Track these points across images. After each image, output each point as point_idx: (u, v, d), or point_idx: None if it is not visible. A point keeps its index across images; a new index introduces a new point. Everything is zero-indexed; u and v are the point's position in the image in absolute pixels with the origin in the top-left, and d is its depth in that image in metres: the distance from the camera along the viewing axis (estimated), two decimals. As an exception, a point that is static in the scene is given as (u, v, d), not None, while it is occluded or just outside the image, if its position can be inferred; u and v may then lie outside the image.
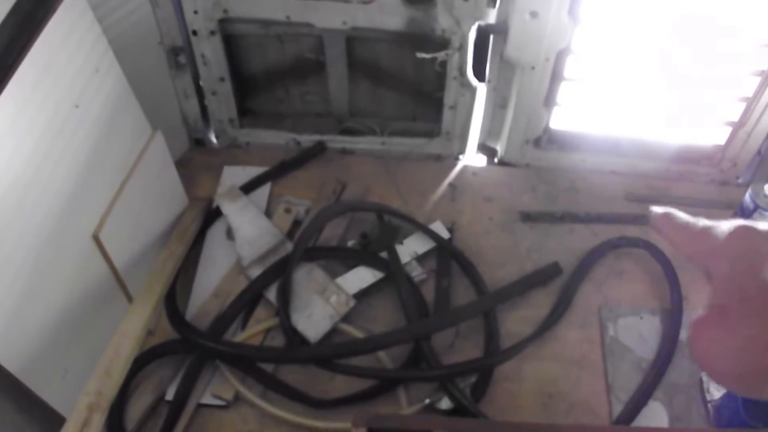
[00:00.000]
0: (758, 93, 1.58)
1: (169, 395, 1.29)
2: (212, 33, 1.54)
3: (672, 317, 1.47)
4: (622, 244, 1.57)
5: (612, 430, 1.15)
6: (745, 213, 1.54)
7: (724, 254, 0.50)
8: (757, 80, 1.56)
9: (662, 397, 1.39)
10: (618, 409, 1.36)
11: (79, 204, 1.17)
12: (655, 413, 1.37)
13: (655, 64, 1.53)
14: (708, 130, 1.72)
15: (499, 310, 1.45)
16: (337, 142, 1.73)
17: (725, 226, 0.51)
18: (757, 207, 1.53)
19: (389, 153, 1.73)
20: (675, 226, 0.56)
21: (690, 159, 1.75)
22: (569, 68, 1.56)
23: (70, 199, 1.14)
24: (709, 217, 0.55)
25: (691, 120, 1.68)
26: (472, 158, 1.77)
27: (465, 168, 1.73)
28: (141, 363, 1.30)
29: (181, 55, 1.57)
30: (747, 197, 1.55)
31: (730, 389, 0.54)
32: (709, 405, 1.39)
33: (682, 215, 0.56)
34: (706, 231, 0.53)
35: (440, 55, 1.52)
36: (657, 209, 0.58)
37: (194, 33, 1.54)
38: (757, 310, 0.46)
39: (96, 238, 1.22)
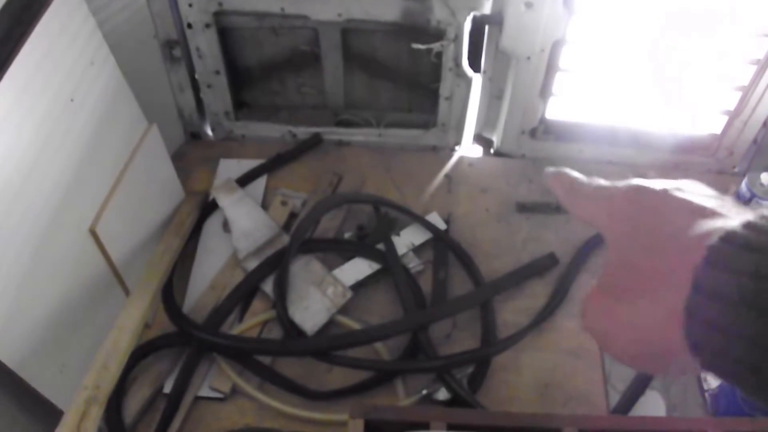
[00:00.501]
0: (754, 82, 1.59)
1: (167, 388, 1.29)
2: (207, 26, 1.54)
3: (668, 307, 1.48)
4: (618, 234, 1.57)
5: (608, 420, 1.15)
6: (742, 202, 1.55)
7: (616, 216, 0.47)
8: (753, 69, 1.56)
9: (659, 386, 1.39)
10: (615, 398, 1.36)
11: (75, 198, 1.17)
12: (652, 403, 1.38)
13: (651, 54, 1.53)
14: (704, 120, 1.72)
15: (495, 301, 1.45)
16: (333, 134, 1.73)
17: (620, 185, 0.48)
18: (753, 196, 1.53)
19: (385, 145, 1.73)
20: (567, 187, 0.53)
21: (686, 149, 1.75)
22: (564, 58, 1.56)
23: (67, 193, 1.14)
24: None
25: (687, 109, 1.68)
26: (468, 149, 1.77)
27: (461, 159, 1.74)
28: (138, 356, 1.30)
29: (176, 49, 1.57)
30: (743, 186, 1.56)
31: (625, 364, 0.48)
32: (707, 394, 1.40)
33: (576, 175, 0.53)
34: (600, 191, 0.50)
35: (436, 46, 1.52)
36: (550, 169, 0.55)
37: (189, 26, 1.54)
38: (644, 277, 0.44)
39: (93, 232, 1.22)
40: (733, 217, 0.40)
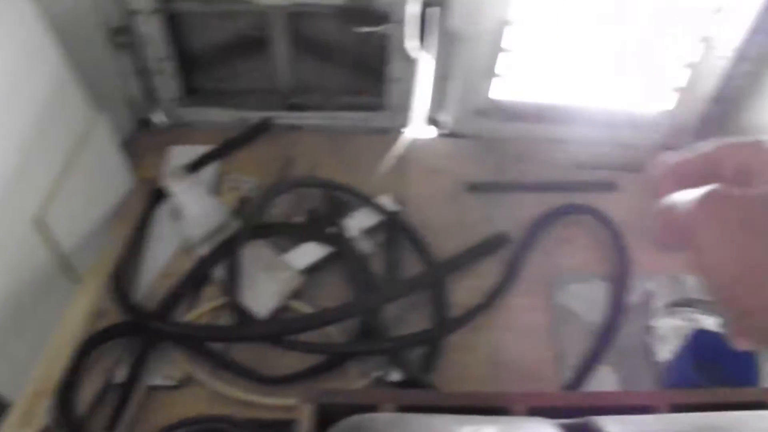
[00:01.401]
0: (704, 58, 1.60)
1: (120, 378, 1.28)
2: (153, 12, 1.53)
3: (619, 282, 1.49)
4: (570, 212, 1.59)
5: (558, 396, 1.16)
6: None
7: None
8: (703, 46, 1.58)
9: (611, 361, 1.41)
10: (567, 375, 1.38)
11: (20, 188, 1.15)
12: (604, 377, 1.39)
13: (600, 31, 1.54)
14: (655, 96, 1.74)
15: (448, 281, 1.46)
16: (283, 118, 1.73)
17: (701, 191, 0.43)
18: (700, 171, 1.54)
19: (336, 128, 1.73)
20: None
21: (635, 125, 1.77)
22: (511, 38, 1.56)
23: (11, 183, 1.13)
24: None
25: (638, 86, 1.70)
26: (419, 130, 1.78)
27: (412, 140, 1.74)
28: (90, 347, 1.29)
29: (123, 36, 1.56)
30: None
31: (721, 296, 0.41)
32: (658, 367, 1.42)
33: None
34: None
35: (381, 29, 1.52)
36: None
37: (135, 12, 1.52)
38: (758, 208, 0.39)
39: (39, 222, 1.21)
40: None
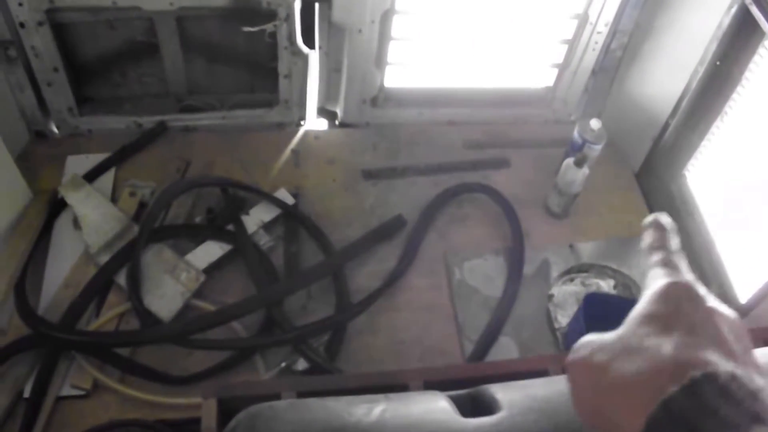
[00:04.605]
0: (577, 34, 1.67)
1: (27, 392, 1.29)
2: (40, 24, 1.52)
3: (514, 254, 1.55)
4: (462, 191, 1.64)
5: (450, 369, 1.20)
6: (575, 148, 1.62)
7: (660, 295, 0.47)
8: (575, 22, 1.64)
9: (511, 331, 1.47)
10: (470, 348, 1.43)
11: None
12: (505, 347, 1.45)
13: (479, 15, 1.58)
14: (536, 74, 1.80)
15: (348, 268, 1.50)
16: (178, 120, 1.74)
17: (687, 276, 0.49)
18: (585, 141, 1.61)
19: (231, 126, 1.75)
20: (657, 248, 0.53)
21: (523, 102, 1.83)
22: (397, 28, 1.60)
23: None
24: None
25: (519, 65, 1.76)
26: (313, 123, 1.81)
27: (306, 133, 1.77)
28: (-6, 364, 1.29)
29: (10, 49, 1.54)
30: (575, 133, 1.63)
31: (578, 413, 0.48)
32: (558, 332, 1.48)
33: (672, 240, 0.53)
34: (673, 267, 0.50)
35: (268, 27, 1.54)
36: (658, 220, 0.54)
37: (22, 25, 1.51)
38: (637, 370, 0.43)
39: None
40: (742, 366, 0.41)
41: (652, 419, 0.40)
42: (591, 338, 0.48)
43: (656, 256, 0.51)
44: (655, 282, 0.49)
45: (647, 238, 0.53)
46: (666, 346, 0.43)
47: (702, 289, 0.47)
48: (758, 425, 0.37)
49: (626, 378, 0.44)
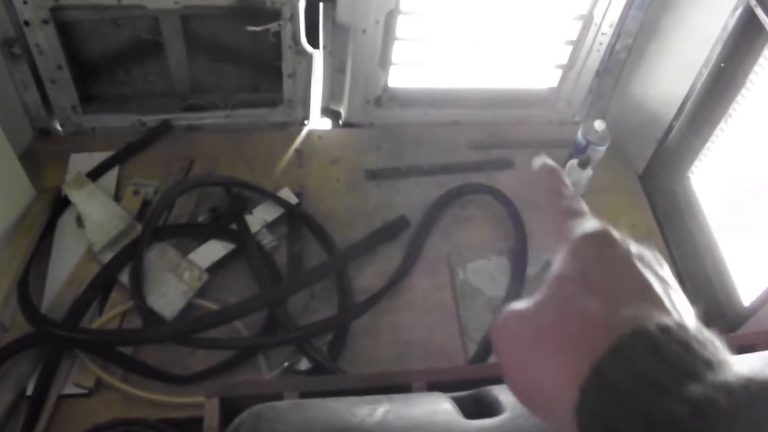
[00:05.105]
0: (582, 35, 1.67)
1: (30, 390, 1.29)
2: (45, 22, 1.52)
3: (518, 255, 1.55)
4: (466, 192, 1.64)
5: (453, 371, 1.20)
6: (579, 149, 1.62)
7: (573, 253, 0.44)
8: (580, 23, 1.64)
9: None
10: (472, 349, 1.43)
11: None
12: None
13: (484, 16, 1.58)
14: (540, 74, 1.80)
15: (351, 268, 1.50)
16: (182, 119, 1.74)
17: (593, 222, 0.46)
18: (589, 143, 1.61)
19: (235, 125, 1.75)
20: (552, 192, 0.50)
21: (527, 103, 1.83)
22: (401, 28, 1.60)
23: None
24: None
25: (524, 66, 1.75)
26: (317, 122, 1.81)
27: (310, 133, 1.77)
28: (-3, 362, 1.30)
29: (15, 46, 1.55)
30: (579, 135, 1.63)
31: (510, 389, 0.45)
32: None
33: (566, 184, 0.50)
34: (574, 217, 0.47)
35: (272, 26, 1.54)
36: (543, 161, 0.52)
37: (26, 23, 1.51)
38: (566, 328, 0.41)
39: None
40: (670, 313, 0.39)
41: (585, 387, 0.37)
42: (513, 308, 0.45)
43: (558, 207, 0.49)
44: (565, 236, 0.46)
45: (543, 186, 0.50)
46: (590, 305, 0.40)
47: (615, 233, 0.44)
48: (693, 382, 0.35)
49: (554, 346, 0.41)
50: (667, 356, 0.36)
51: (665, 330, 0.37)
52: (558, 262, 0.45)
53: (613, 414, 0.36)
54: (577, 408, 0.38)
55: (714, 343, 0.37)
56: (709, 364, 0.36)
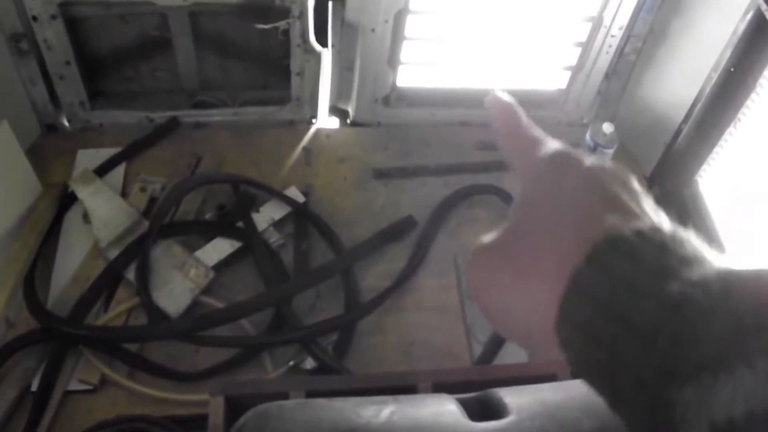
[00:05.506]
0: (591, 37, 1.66)
1: (35, 386, 1.29)
2: (53, 17, 1.52)
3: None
4: (473, 192, 1.64)
5: (460, 372, 1.20)
6: (587, 151, 1.62)
7: (534, 176, 0.45)
8: (589, 25, 1.64)
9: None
10: (478, 350, 1.43)
11: None
12: (514, 350, 1.44)
13: (493, 16, 1.58)
14: (549, 76, 1.79)
15: (358, 268, 1.49)
16: (189, 116, 1.74)
17: (550, 147, 0.46)
18: (597, 145, 1.61)
19: (243, 123, 1.75)
20: (505, 122, 0.50)
21: (535, 104, 1.82)
22: (410, 27, 1.60)
23: None
24: None
25: (532, 67, 1.75)
26: (325, 121, 1.81)
27: (318, 131, 1.77)
28: (2, 357, 1.29)
29: (23, 42, 1.54)
30: (587, 137, 1.63)
31: (494, 328, 0.46)
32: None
33: (518, 112, 0.50)
34: (531, 142, 0.47)
35: (281, 25, 1.54)
36: (495, 94, 0.51)
37: (34, 18, 1.51)
38: (536, 250, 0.41)
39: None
40: (642, 218, 0.39)
41: (563, 302, 0.38)
42: (482, 241, 0.45)
43: (515, 138, 0.49)
44: (525, 165, 0.46)
45: (497, 122, 0.50)
46: (560, 224, 0.40)
47: (575, 152, 0.44)
48: (670, 281, 0.35)
49: (528, 270, 0.41)
50: (642, 258, 0.36)
51: (639, 234, 0.37)
52: (521, 190, 0.45)
53: (592, 323, 0.36)
54: (557, 325, 0.38)
55: (691, 242, 0.37)
56: (686, 261, 0.36)
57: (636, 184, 0.42)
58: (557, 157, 0.45)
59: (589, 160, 0.43)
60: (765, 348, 0.30)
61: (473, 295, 0.46)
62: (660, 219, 0.39)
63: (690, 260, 0.35)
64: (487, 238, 0.45)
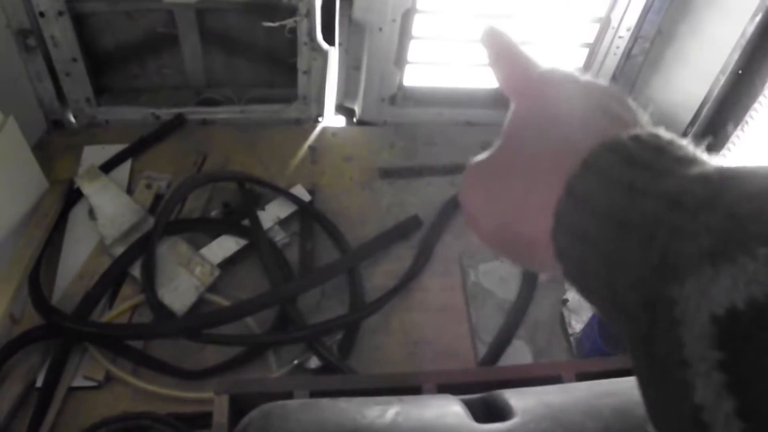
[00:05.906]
0: (599, 39, 1.66)
1: (40, 382, 1.29)
2: (60, 13, 1.52)
3: (530, 258, 1.54)
4: (479, 192, 1.63)
5: (464, 373, 1.20)
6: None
7: (529, 90, 0.45)
8: (597, 26, 1.63)
9: (525, 335, 1.46)
10: (483, 350, 1.43)
11: None
12: (518, 351, 1.44)
13: (501, 17, 1.58)
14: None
15: (363, 267, 1.49)
16: (196, 113, 1.74)
17: (541, 66, 0.46)
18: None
19: (249, 121, 1.75)
20: (499, 48, 0.49)
21: (542, 104, 1.82)
22: (417, 27, 1.60)
23: None
24: None
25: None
26: (331, 120, 1.80)
27: (324, 130, 1.77)
28: (7, 353, 1.29)
29: (30, 38, 1.55)
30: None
31: (489, 247, 0.46)
32: (571, 338, 1.47)
33: (511, 40, 0.49)
34: (526, 63, 0.47)
35: (288, 23, 1.54)
36: (488, 27, 0.50)
37: (42, 15, 1.51)
38: (530, 161, 0.41)
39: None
40: (637, 124, 0.39)
41: (559, 210, 0.37)
42: (475, 160, 0.45)
43: (508, 62, 0.48)
44: (516, 85, 0.46)
45: (489, 47, 0.49)
46: (554, 136, 0.40)
47: (564, 69, 0.44)
48: (669, 177, 0.34)
49: (523, 183, 0.41)
50: (640, 160, 0.36)
51: (636, 138, 0.37)
52: (512, 109, 0.45)
53: (587, 226, 0.36)
54: (553, 233, 0.38)
55: (688, 146, 0.37)
56: (684, 161, 0.35)
57: (631, 101, 0.42)
58: (552, 73, 0.45)
59: (584, 76, 0.43)
60: (765, 235, 0.30)
61: (467, 217, 0.46)
62: (657, 128, 0.39)
63: (688, 160, 0.35)
64: (480, 156, 0.45)
